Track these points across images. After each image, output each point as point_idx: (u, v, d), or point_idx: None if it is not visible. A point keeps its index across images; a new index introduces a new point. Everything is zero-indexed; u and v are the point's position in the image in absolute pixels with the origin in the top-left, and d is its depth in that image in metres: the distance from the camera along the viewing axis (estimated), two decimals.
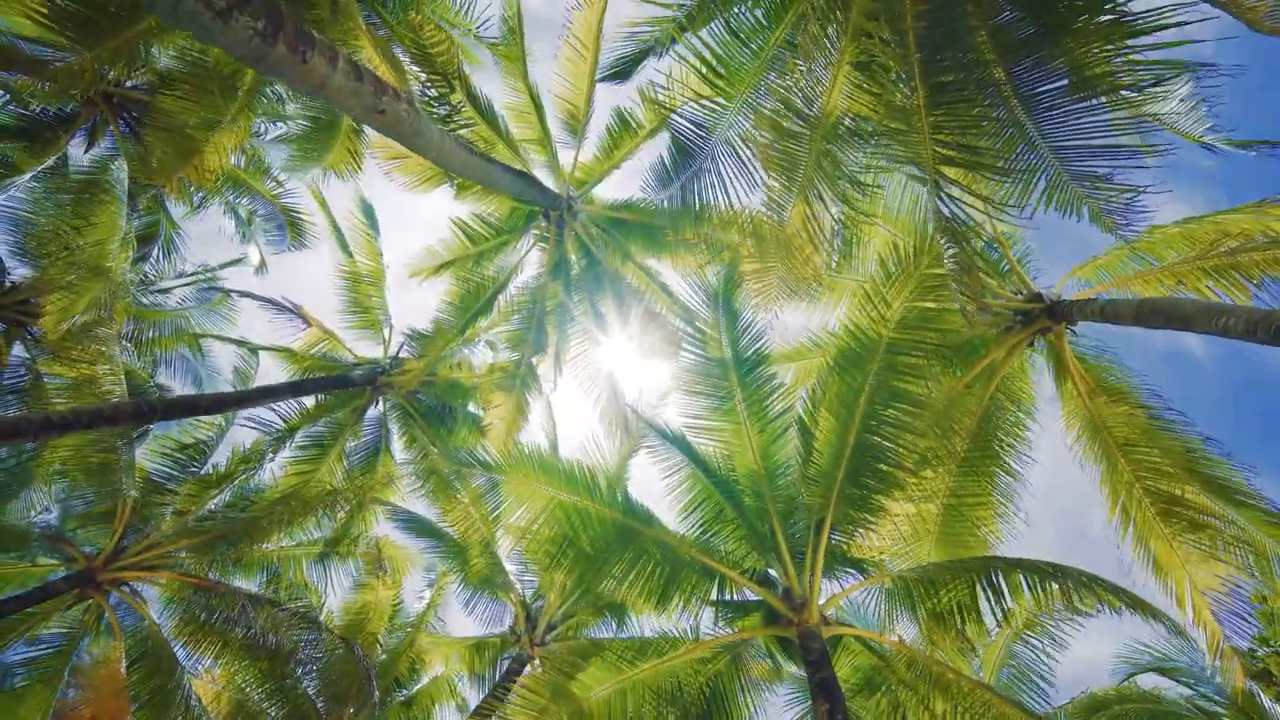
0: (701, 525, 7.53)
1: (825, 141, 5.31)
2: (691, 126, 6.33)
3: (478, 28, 9.95)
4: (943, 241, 4.78)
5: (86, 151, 10.53)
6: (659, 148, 8.98)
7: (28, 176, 10.36)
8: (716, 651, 6.47)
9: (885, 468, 6.01)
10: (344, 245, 12.29)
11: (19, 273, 11.66)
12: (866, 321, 5.90)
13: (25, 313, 11.42)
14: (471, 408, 13.01)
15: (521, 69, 9.88)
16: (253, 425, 12.09)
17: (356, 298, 12.41)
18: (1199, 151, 6.50)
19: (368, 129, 10.02)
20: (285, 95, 9.30)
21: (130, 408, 6.95)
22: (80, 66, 8.32)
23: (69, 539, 10.40)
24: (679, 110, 6.70)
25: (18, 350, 11.82)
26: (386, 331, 12.80)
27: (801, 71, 6.00)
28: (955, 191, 5.11)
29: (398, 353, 12.76)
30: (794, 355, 8.61)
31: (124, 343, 11.29)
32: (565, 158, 9.88)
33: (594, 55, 9.05)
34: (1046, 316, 7.02)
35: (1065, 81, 5.15)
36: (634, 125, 9.33)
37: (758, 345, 6.81)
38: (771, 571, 6.89)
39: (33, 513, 12.42)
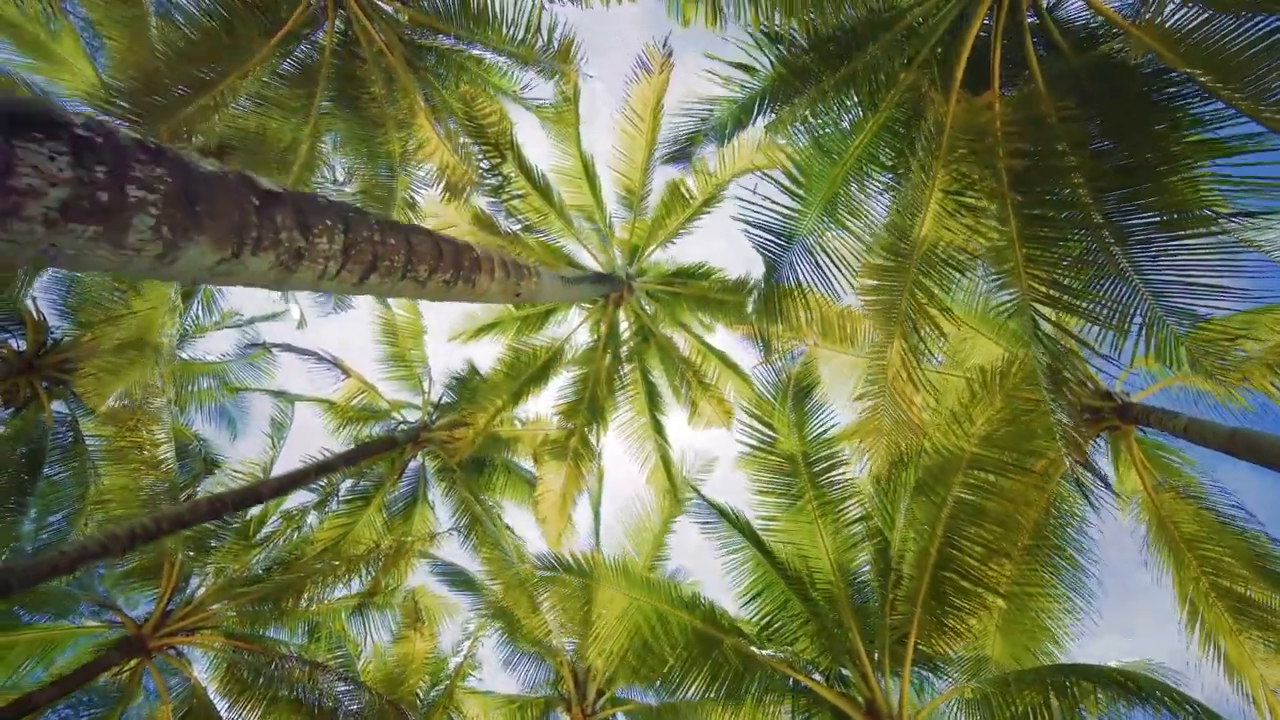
0: (765, 616, 7.58)
1: (919, 272, 5.34)
2: (771, 235, 6.34)
3: (529, 96, 9.95)
4: (1045, 381, 4.81)
5: None
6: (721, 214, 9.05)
7: None
8: None
9: (968, 585, 6.05)
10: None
11: (61, 328, 11.68)
12: (950, 439, 5.93)
13: (67, 370, 11.43)
14: (511, 456, 13.06)
15: (574, 134, 9.88)
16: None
17: (396, 350, 12.42)
18: None
19: (419, 199, 10.06)
20: (340, 173, 9.31)
21: (205, 506, 6.97)
22: None
23: (115, 604, 10.42)
24: (754, 210, 6.69)
25: (58, 406, 11.83)
26: (426, 384, 12.81)
27: (892, 195, 6.04)
28: (1048, 327, 5.14)
29: (438, 404, 12.79)
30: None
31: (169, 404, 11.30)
32: (617, 224, 9.87)
33: (651, 130, 9.05)
34: (1116, 416, 7.05)
35: (1158, 215, 5.19)
36: (689, 197, 9.34)
37: (834, 451, 6.83)
38: (844, 670, 6.92)
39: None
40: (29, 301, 11.06)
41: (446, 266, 3.20)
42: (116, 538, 5.73)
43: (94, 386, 8.29)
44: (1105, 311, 5.00)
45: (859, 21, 5.58)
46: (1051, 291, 5.12)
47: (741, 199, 6.09)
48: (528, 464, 13.24)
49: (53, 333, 11.40)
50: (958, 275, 5.39)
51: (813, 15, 5.59)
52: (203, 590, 11.10)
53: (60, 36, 10.41)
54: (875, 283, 5.62)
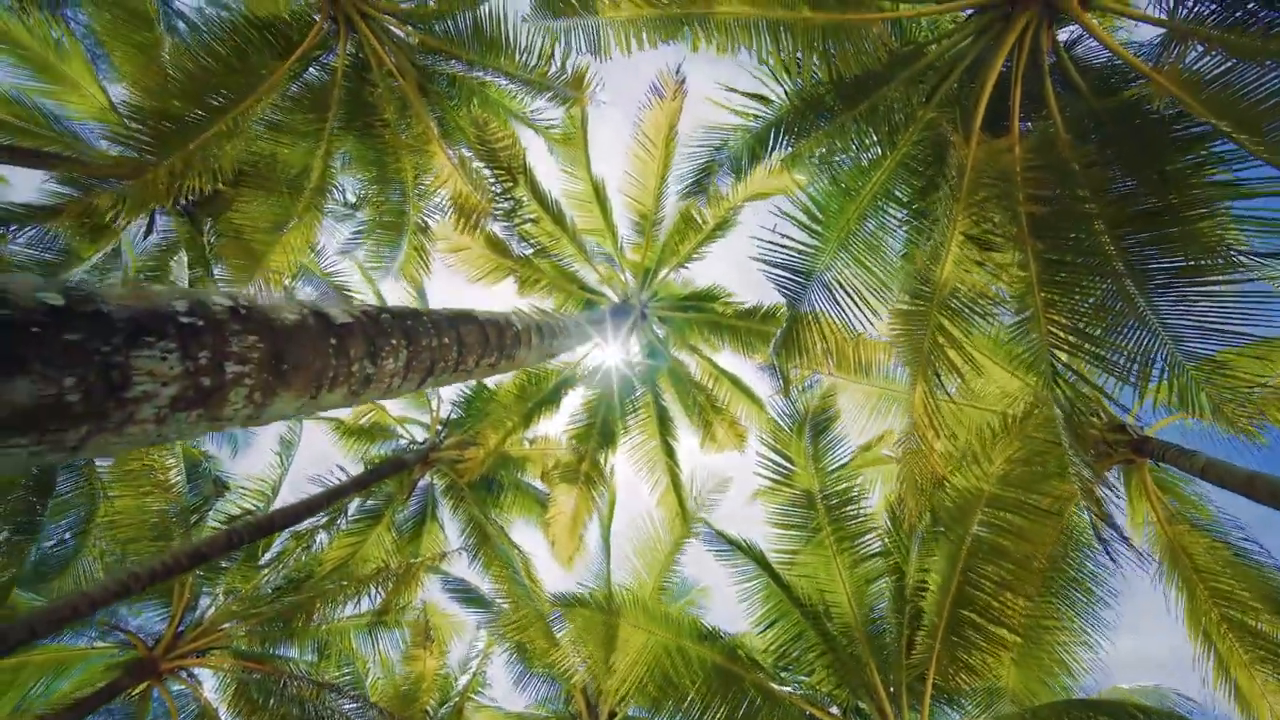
0: (780, 644, 7.60)
1: (940, 314, 5.36)
2: (789, 274, 6.36)
3: (541, 119, 9.94)
4: (1065, 435, 4.84)
5: (146, 237, 10.51)
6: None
7: (89, 264, 10.34)
8: None
9: (987, 623, 6.08)
10: None
11: None
12: (969, 479, 5.95)
13: None
14: (520, 475, 13.07)
15: (584, 158, 9.89)
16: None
17: None
18: None
19: (432, 222, 10.06)
20: (351, 195, 9.32)
21: (223, 540, 6.98)
22: (154, 178, 8.31)
23: (127, 627, 10.42)
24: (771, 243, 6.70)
25: None
26: (434, 403, 12.82)
27: (908, 231, 6.06)
28: (1064, 357, 5.16)
29: (446, 422, 12.80)
30: (880, 461, 8.68)
31: None
32: (629, 249, 9.87)
33: (664, 155, 9.06)
34: (1131, 450, 7.08)
35: (1179, 259, 5.21)
36: (702, 221, 9.34)
37: (851, 486, 6.85)
38: (860, 704, 6.95)
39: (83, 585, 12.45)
40: None
41: (492, 350, 3.23)
42: (137, 576, 5.74)
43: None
44: (1125, 360, 5.02)
45: (877, 61, 5.59)
46: (1071, 338, 5.14)
47: (760, 238, 6.11)
48: (537, 481, 13.27)
49: None
50: (979, 319, 5.41)
51: (830, 49, 5.60)
52: (213, 611, 11.12)
53: (69, 58, 10.38)
54: (899, 328, 5.63)
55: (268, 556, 11.90)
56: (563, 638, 7.52)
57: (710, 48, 5.39)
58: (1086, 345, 5.04)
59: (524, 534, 15.66)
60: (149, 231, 10.41)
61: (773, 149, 7.46)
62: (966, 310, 5.37)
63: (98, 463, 11.58)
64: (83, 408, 1.27)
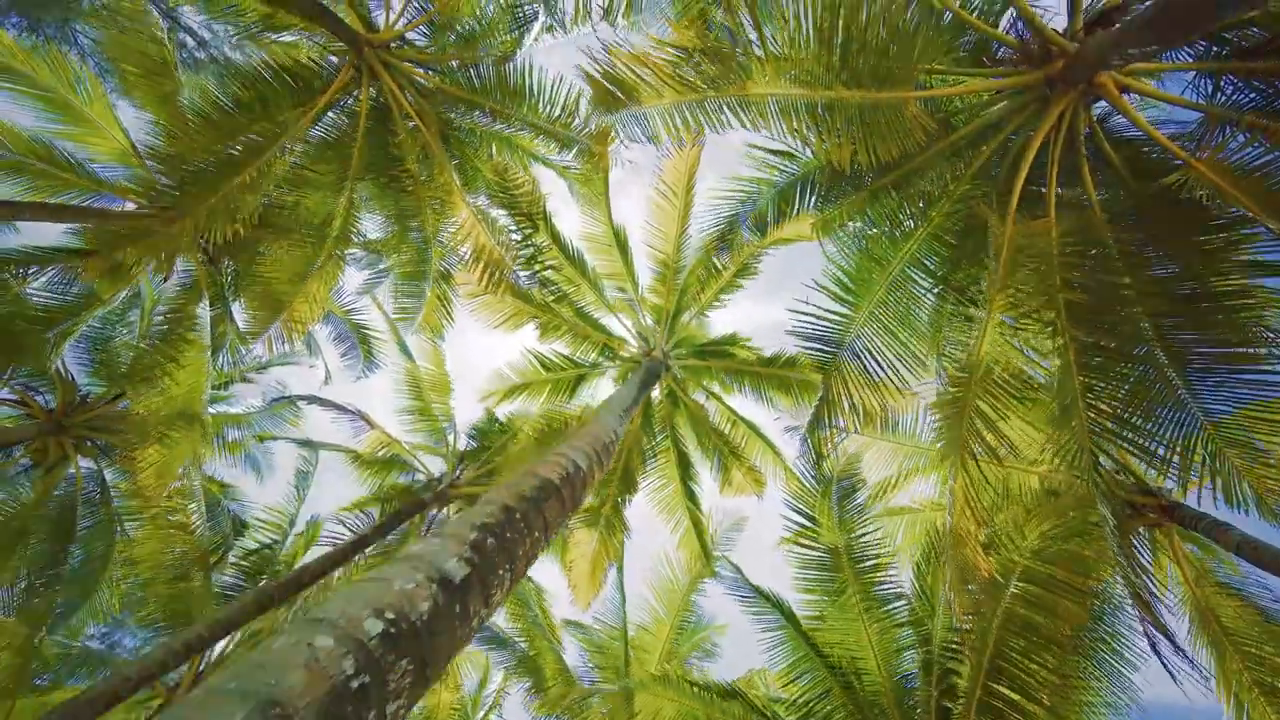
0: (806, 698, 7.59)
1: (978, 396, 5.36)
2: (821, 344, 6.36)
3: (560, 160, 9.93)
4: (1109, 529, 4.82)
5: (165, 280, 10.53)
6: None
7: (112, 306, 10.38)
8: None
9: (1019, 698, 6.06)
10: (407, 352, 12.31)
11: (89, 387, 11.69)
12: (1003, 553, 5.94)
13: (96, 429, 11.46)
14: None
15: (605, 203, 9.88)
16: (327, 541, 12.22)
17: (421, 405, 12.44)
18: None
19: (453, 263, 10.05)
20: (373, 234, 9.32)
21: (253, 604, 6.99)
22: (179, 230, 8.32)
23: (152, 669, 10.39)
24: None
25: (85, 461, 11.85)
26: (451, 437, 12.84)
27: (936, 302, 6.05)
28: (1107, 459, 5.14)
29: (463, 456, 12.83)
30: (902, 510, 8.67)
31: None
32: (650, 296, 9.87)
33: (684, 204, 9.06)
34: (1160, 514, 7.06)
35: (1221, 347, 5.19)
36: (723, 269, 9.34)
37: (880, 551, 6.84)
38: None
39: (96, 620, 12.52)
40: (57, 361, 11.08)
41: (568, 509, 3.23)
42: (174, 652, 5.76)
43: (155, 478, 8.29)
44: (1166, 449, 5.00)
45: (914, 142, 5.58)
46: (1110, 425, 5.13)
47: (793, 310, 6.11)
48: None
49: (81, 391, 11.43)
50: (1016, 402, 5.40)
51: (866, 129, 5.59)
52: (233, 648, 11.14)
53: (90, 100, 10.39)
54: (939, 417, 5.62)
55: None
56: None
57: (748, 127, 5.38)
58: (1127, 434, 5.02)
59: (539, 568, 15.62)
60: (168, 275, 10.43)
61: (798, 208, 7.46)
62: (1005, 393, 5.35)
63: (115, 495, 11.64)
64: None
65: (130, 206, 10.20)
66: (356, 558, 9.72)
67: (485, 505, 2.61)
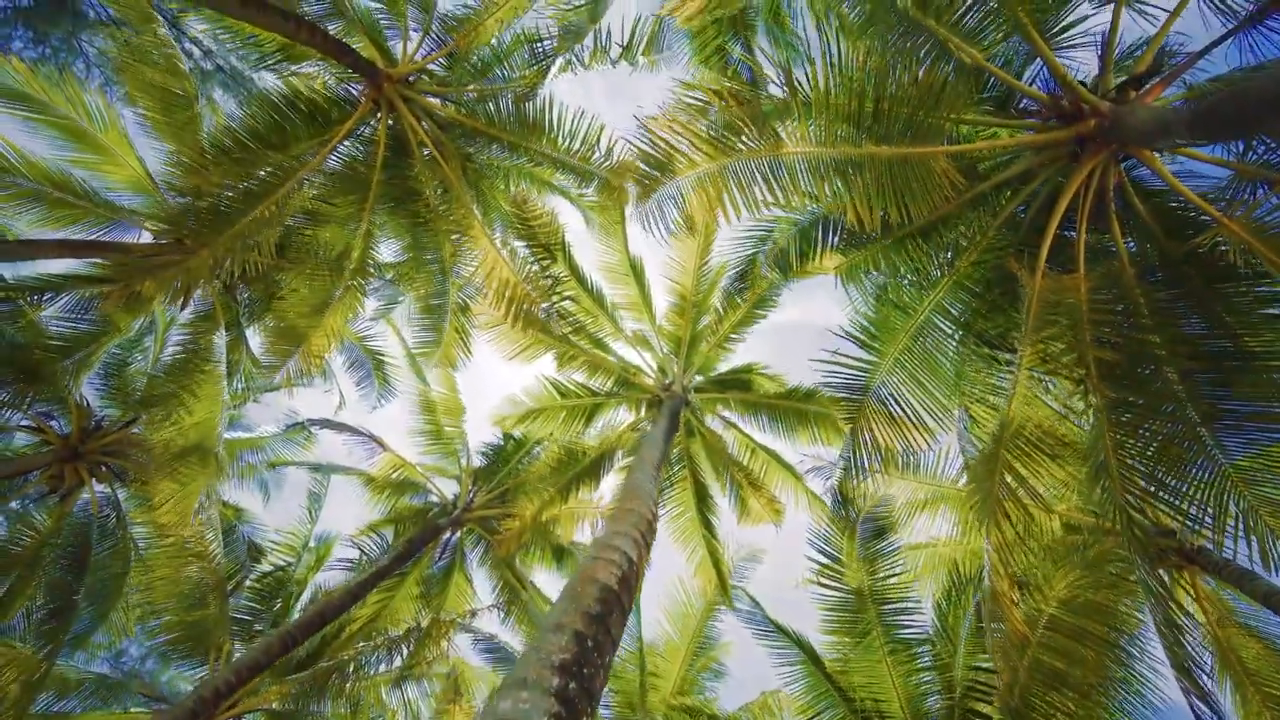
0: None
1: (1009, 453, 5.36)
2: (848, 392, 6.37)
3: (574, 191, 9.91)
4: (1150, 599, 4.84)
5: (181, 309, 10.54)
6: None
7: (128, 335, 10.39)
8: None
9: None
10: (420, 375, 12.32)
11: (105, 413, 11.69)
12: (1030, 603, 5.96)
13: (112, 455, 11.47)
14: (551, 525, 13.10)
15: (622, 233, 9.88)
16: (341, 566, 12.30)
17: (434, 428, 12.46)
18: None
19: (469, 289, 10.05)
20: (394, 282, 9.33)
21: (277, 644, 7.03)
22: (197, 264, 8.32)
23: (164, 695, 10.47)
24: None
25: (100, 488, 11.86)
26: (464, 459, 12.86)
27: (959, 350, 6.07)
28: (1139, 515, 5.15)
29: (476, 476, 12.86)
30: (921, 545, 8.69)
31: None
32: (666, 324, 9.88)
33: (704, 240, 9.06)
34: (1181, 557, 7.08)
35: (1254, 404, 5.20)
36: (741, 302, 9.35)
37: (906, 595, 6.86)
38: None
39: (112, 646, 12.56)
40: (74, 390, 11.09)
41: (628, 611, 3.24)
42: (203, 699, 5.79)
43: (173, 511, 8.32)
44: (1198, 508, 5.02)
45: (944, 198, 5.58)
46: (1142, 483, 5.14)
47: (821, 360, 6.12)
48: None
49: (97, 417, 11.43)
50: (1048, 460, 5.41)
51: (897, 186, 5.59)
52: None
53: (107, 128, 10.38)
54: (972, 481, 5.63)
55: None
56: None
57: (779, 201, 5.39)
58: (1160, 493, 5.04)
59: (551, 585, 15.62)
60: (185, 305, 10.43)
61: (821, 248, 7.47)
62: (1038, 451, 5.37)
63: (131, 522, 11.66)
64: None
65: (147, 235, 10.21)
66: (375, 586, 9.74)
67: (557, 634, 2.61)
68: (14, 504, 11.65)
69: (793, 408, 9.33)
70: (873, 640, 7.09)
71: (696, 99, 5.85)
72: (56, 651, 9.13)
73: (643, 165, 5.33)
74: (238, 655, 8.32)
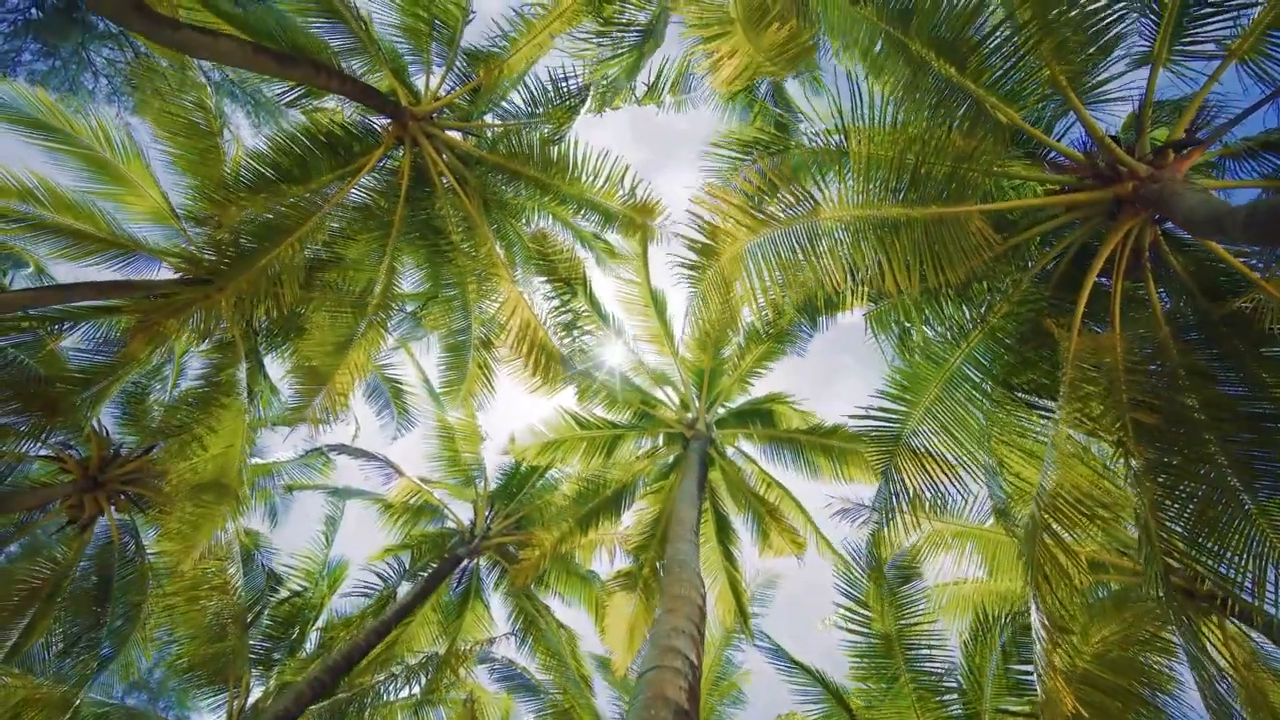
0: None
1: (1048, 515, 5.37)
2: (880, 445, 6.39)
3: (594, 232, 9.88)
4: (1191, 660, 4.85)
5: (202, 343, 10.54)
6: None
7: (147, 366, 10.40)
8: None
9: None
10: (438, 401, 12.33)
11: (123, 441, 11.70)
12: (1063, 659, 5.97)
13: (132, 483, 11.48)
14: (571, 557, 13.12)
15: (643, 265, 9.89)
16: (359, 593, 12.32)
17: (451, 454, 12.46)
18: None
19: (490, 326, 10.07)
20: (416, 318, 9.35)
21: (308, 692, 7.05)
22: (220, 302, 8.34)
23: None
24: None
25: (119, 516, 11.86)
26: (480, 485, 12.87)
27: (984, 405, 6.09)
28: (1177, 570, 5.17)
29: (492, 499, 12.88)
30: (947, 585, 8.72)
31: None
32: (690, 357, 9.89)
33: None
34: (1209, 601, 7.08)
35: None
36: (764, 335, 9.36)
37: (934, 640, 6.88)
38: None
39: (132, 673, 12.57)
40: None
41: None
42: None
43: (180, 542, 8.32)
44: (1237, 572, 5.03)
45: (979, 257, 5.60)
46: (1182, 545, 5.15)
47: (854, 416, 6.14)
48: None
49: (116, 445, 11.44)
50: (1087, 521, 5.42)
51: (934, 247, 5.60)
52: (270, 702, 11.17)
53: (129, 159, 10.39)
54: (1022, 545, 5.64)
55: (318, 645, 11.96)
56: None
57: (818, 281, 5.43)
58: (1200, 556, 5.05)
59: (568, 614, 15.62)
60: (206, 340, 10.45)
61: (851, 297, 7.47)
62: (1079, 514, 5.37)
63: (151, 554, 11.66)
64: None
65: (167, 268, 10.23)
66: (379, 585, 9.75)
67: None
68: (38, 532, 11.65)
69: (817, 443, 9.34)
70: (901, 686, 7.10)
71: (729, 154, 5.89)
72: (84, 684, 9.13)
73: (690, 254, 5.37)
74: (270, 703, 8.32)
